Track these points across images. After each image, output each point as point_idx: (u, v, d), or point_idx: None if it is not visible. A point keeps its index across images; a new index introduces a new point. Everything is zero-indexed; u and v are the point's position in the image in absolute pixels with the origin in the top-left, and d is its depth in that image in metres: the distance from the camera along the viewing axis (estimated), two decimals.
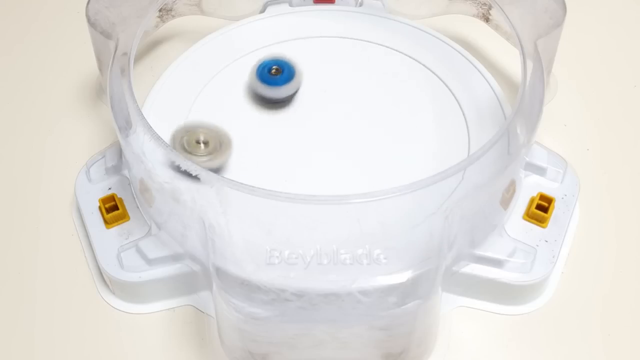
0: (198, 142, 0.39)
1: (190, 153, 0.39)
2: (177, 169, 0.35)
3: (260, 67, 0.43)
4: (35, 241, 0.42)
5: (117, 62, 0.40)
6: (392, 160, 0.41)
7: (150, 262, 0.38)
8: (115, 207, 0.40)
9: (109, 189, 0.41)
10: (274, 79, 0.42)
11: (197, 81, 0.44)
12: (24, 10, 0.53)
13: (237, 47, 0.46)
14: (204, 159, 0.39)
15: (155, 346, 0.38)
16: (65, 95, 0.48)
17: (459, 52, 0.46)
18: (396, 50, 0.46)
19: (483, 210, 0.37)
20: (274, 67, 0.43)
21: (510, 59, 0.48)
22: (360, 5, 0.49)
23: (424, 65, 0.45)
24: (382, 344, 0.35)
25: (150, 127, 0.37)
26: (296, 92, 0.43)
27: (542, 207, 0.40)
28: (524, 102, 0.38)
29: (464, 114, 0.43)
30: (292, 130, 0.42)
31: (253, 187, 0.34)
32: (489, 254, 0.38)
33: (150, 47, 0.50)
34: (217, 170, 0.39)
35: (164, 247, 0.38)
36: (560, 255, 0.39)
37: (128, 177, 0.41)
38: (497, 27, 0.47)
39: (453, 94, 0.44)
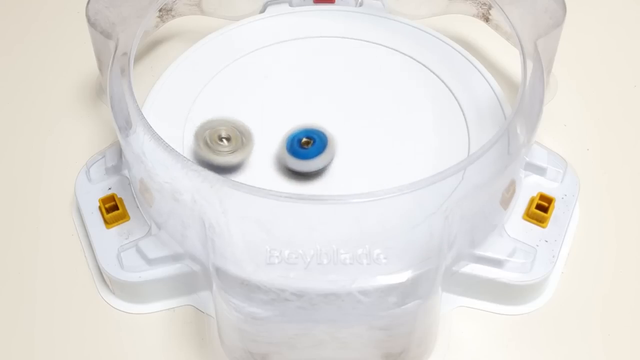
0: (220, 138, 0.39)
1: (212, 149, 0.39)
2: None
3: (290, 139, 0.40)
4: (35, 241, 0.42)
5: (117, 62, 0.40)
6: (392, 160, 0.41)
7: (150, 262, 0.38)
8: (115, 207, 0.40)
9: (109, 189, 0.41)
10: (305, 152, 0.39)
11: (197, 81, 0.44)
12: (24, 10, 0.53)
13: (237, 47, 0.46)
14: (227, 154, 0.39)
15: (155, 346, 0.38)
16: (65, 95, 0.48)
17: (459, 52, 0.46)
18: (396, 50, 0.46)
19: (483, 210, 0.37)
20: (304, 138, 0.40)
21: (510, 59, 0.48)
22: (360, 5, 0.49)
23: (424, 65, 0.45)
24: (382, 344, 0.35)
25: (150, 127, 0.37)
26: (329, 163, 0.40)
27: (542, 207, 0.40)
28: (524, 102, 0.38)
29: (464, 114, 0.43)
30: (292, 130, 0.42)
31: (253, 187, 0.34)
32: (489, 254, 0.38)
33: (150, 47, 0.50)
34: (238, 166, 0.39)
35: (164, 247, 0.38)
36: (560, 255, 0.39)
37: (128, 177, 0.41)
38: (497, 27, 0.47)
39: (453, 94, 0.44)
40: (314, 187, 0.40)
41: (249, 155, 0.40)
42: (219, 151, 0.39)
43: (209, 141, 0.39)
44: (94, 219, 0.40)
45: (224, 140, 0.39)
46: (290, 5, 0.49)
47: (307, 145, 0.40)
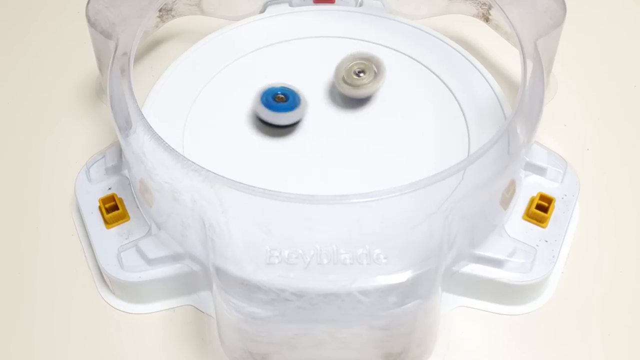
0: (356, 73, 0.42)
1: (349, 84, 0.42)
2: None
3: (265, 93, 0.42)
4: (35, 241, 0.42)
5: (117, 62, 0.40)
6: (392, 160, 0.41)
7: (150, 262, 0.38)
8: (115, 207, 0.40)
9: (109, 189, 0.41)
10: (278, 106, 0.42)
11: (197, 81, 0.44)
12: (24, 10, 0.53)
13: (237, 47, 0.46)
14: (363, 86, 0.42)
15: (155, 346, 0.38)
16: (65, 95, 0.48)
17: (459, 52, 0.46)
18: (396, 50, 0.46)
19: (483, 210, 0.37)
20: (279, 93, 0.42)
21: (510, 59, 0.48)
22: (360, 5, 0.49)
23: (424, 65, 0.45)
24: (382, 344, 0.35)
25: (150, 127, 0.37)
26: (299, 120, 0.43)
27: (542, 207, 0.40)
28: (524, 102, 0.38)
29: (464, 114, 0.43)
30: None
31: (253, 187, 0.34)
32: (489, 254, 0.38)
33: (150, 47, 0.50)
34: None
35: (164, 247, 0.38)
36: (560, 255, 0.39)
37: (128, 177, 0.41)
38: (497, 27, 0.47)
39: (453, 94, 0.44)
40: (314, 184, 0.40)
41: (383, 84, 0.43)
42: (356, 84, 0.42)
43: (346, 77, 0.42)
44: (94, 219, 0.40)
45: (360, 74, 0.42)
46: (290, 5, 0.49)
47: (280, 101, 0.42)
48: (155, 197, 0.37)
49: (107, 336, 0.39)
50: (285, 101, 0.41)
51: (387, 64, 0.45)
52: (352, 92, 0.42)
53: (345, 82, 0.42)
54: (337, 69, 0.43)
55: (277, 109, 0.41)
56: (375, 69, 0.42)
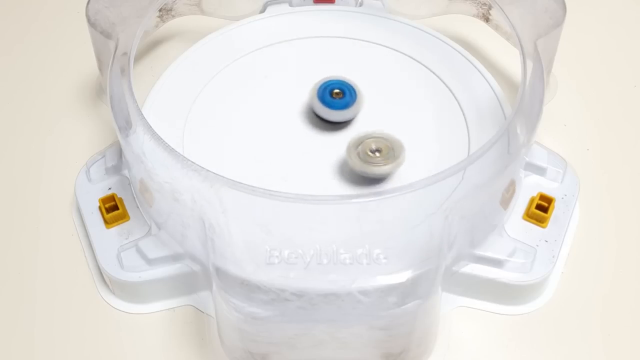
0: (372, 151, 0.39)
1: (366, 162, 0.39)
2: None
3: (322, 88, 0.42)
4: (35, 241, 0.42)
5: (117, 62, 0.40)
6: None
7: (150, 262, 0.38)
8: (115, 207, 0.40)
9: (109, 189, 0.41)
10: (335, 102, 0.41)
11: (197, 81, 0.44)
12: (24, 10, 0.53)
13: (237, 47, 0.46)
14: (380, 165, 0.39)
15: (155, 346, 0.38)
16: (65, 95, 0.48)
17: (459, 52, 0.46)
18: (396, 50, 0.46)
19: (483, 210, 0.37)
20: (336, 89, 0.42)
21: (510, 59, 0.48)
22: (360, 5, 0.49)
23: (424, 65, 0.45)
24: (382, 344, 0.35)
25: (150, 127, 0.37)
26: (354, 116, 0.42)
27: (542, 207, 0.40)
28: (524, 102, 0.38)
29: (464, 114, 0.43)
30: (292, 129, 0.42)
31: (253, 187, 0.34)
32: (489, 254, 0.38)
33: (150, 47, 0.50)
34: (389, 175, 0.40)
35: (164, 247, 0.38)
36: (560, 255, 0.39)
37: (128, 177, 0.41)
38: (497, 27, 0.47)
39: (453, 94, 0.44)
40: (314, 184, 0.40)
41: (400, 166, 0.40)
42: (373, 163, 0.39)
43: (361, 156, 0.39)
44: (94, 219, 0.40)
45: (376, 152, 0.39)
46: (290, 5, 0.49)
47: (337, 97, 0.41)
48: (155, 197, 0.37)
49: (107, 336, 0.39)
50: (342, 97, 0.41)
51: (387, 64, 0.45)
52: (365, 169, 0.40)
53: (360, 159, 0.40)
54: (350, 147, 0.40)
55: (333, 105, 0.41)
56: (392, 149, 0.40)
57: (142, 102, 0.42)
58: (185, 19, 0.49)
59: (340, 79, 0.42)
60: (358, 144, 0.40)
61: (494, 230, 0.39)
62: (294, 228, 0.35)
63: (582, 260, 0.41)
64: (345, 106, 0.41)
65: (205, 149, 0.41)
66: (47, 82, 0.49)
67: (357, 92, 0.42)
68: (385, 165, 0.39)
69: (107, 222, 0.40)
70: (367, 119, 0.43)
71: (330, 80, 0.42)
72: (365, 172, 0.39)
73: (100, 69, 0.44)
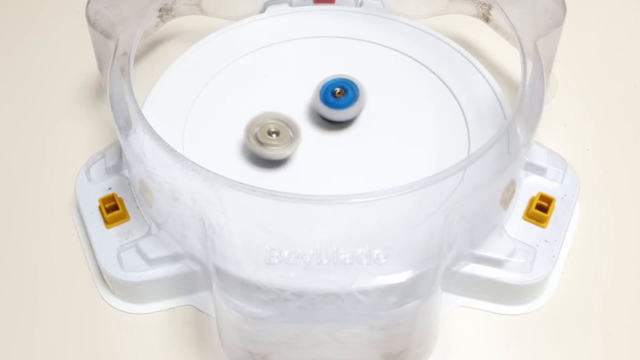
0: (270, 133, 0.40)
1: (263, 144, 0.40)
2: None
3: (324, 88, 0.42)
4: (36, 241, 0.42)
5: (117, 62, 0.40)
6: (392, 160, 0.41)
7: (150, 262, 0.38)
8: (115, 207, 0.40)
9: (109, 189, 0.41)
10: (337, 101, 0.41)
11: (197, 81, 0.44)
12: (24, 10, 0.53)
13: (237, 47, 0.46)
14: (277, 148, 0.40)
15: (155, 346, 0.38)
16: (65, 95, 0.48)
17: (459, 52, 0.46)
18: (396, 50, 0.46)
19: (483, 210, 0.37)
20: (337, 88, 0.42)
21: (510, 59, 0.48)
22: (360, 5, 0.49)
23: (424, 65, 0.45)
24: (382, 344, 0.35)
25: (150, 127, 0.37)
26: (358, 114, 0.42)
27: (542, 207, 0.40)
28: (524, 102, 0.38)
29: (464, 114, 0.43)
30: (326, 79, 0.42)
31: (253, 187, 0.34)
32: (489, 254, 0.38)
33: (150, 47, 0.50)
34: (286, 159, 0.40)
35: (164, 247, 0.38)
36: (560, 255, 0.39)
37: (128, 177, 0.41)
38: (497, 27, 0.47)
39: (453, 94, 0.44)
40: (314, 184, 0.40)
41: (297, 149, 0.41)
42: (268, 145, 0.40)
43: (259, 138, 0.40)
44: (94, 219, 0.40)
45: (274, 134, 0.40)
46: (290, 5, 0.49)
47: (339, 95, 0.41)
48: (155, 197, 0.37)
49: (107, 336, 0.39)
50: (344, 95, 0.41)
51: (387, 64, 0.45)
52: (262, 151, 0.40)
53: (258, 141, 0.40)
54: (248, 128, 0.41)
55: (336, 105, 0.41)
56: (291, 133, 0.41)
57: (142, 102, 0.42)
58: (185, 19, 0.49)
59: (341, 77, 0.42)
60: (255, 126, 0.40)
61: (494, 230, 0.39)
62: (294, 228, 0.35)
63: (582, 260, 0.41)
64: (348, 104, 0.41)
65: (205, 149, 0.41)
66: (47, 82, 0.49)
67: (359, 88, 0.42)
68: (280, 148, 0.40)
69: (107, 222, 0.40)
70: (367, 119, 0.43)
71: (330, 80, 0.42)
72: (263, 155, 0.40)
73: (100, 69, 0.44)
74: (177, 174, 0.35)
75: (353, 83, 0.42)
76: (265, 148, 0.40)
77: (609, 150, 0.46)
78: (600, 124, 0.47)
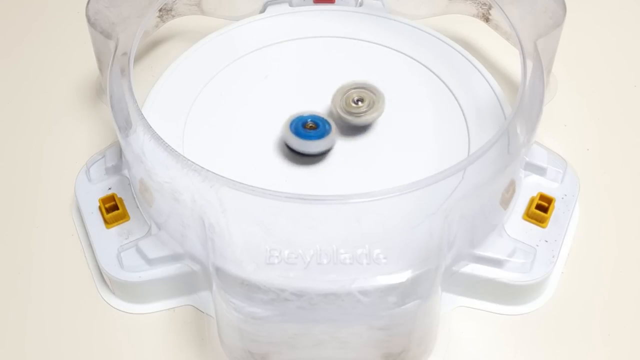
0: (354, 101, 0.41)
1: (350, 112, 0.41)
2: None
3: (294, 121, 0.41)
4: (36, 241, 0.42)
5: (117, 62, 0.40)
6: (392, 160, 0.41)
7: (150, 262, 0.38)
8: (115, 207, 0.40)
9: (109, 189, 0.41)
10: (308, 134, 0.41)
11: (197, 81, 0.44)
12: (24, 11, 0.53)
13: (237, 47, 0.46)
14: (363, 114, 0.41)
15: (155, 346, 0.38)
16: (65, 95, 0.48)
17: (459, 52, 0.46)
18: (396, 50, 0.46)
19: (483, 210, 0.37)
20: (309, 121, 0.41)
21: (510, 59, 0.48)
22: (360, 5, 0.49)
23: (424, 65, 0.45)
24: (382, 343, 0.35)
25: (150, 127, 0.37)
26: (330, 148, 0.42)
27: (542, 207, 0.40)
28: (524, 102, 0.38)
29: (464, 114, 0.43)
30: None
31: (253, 186, 0.34)
32: (488, 254, 0.38)
33: (150, 47, 0.50)
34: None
35: (164, 247, 0.38)
36: (560, 255, 0.39)
37: (128, 177, 0.41)
38: (497, 27, 0.47)
39: (453, 94, 0.44)
40: (314, 184, 0.40)
41: (382, 113, 0.42)
42: (357, 112, 0.41)
43: (345, 106, 0.41)
44: (94, 219, 0.40)
45: (359, 102, 0.41)
46: (290, 5, 0.49)
47: (310, 129, 0.41)
48: (155, 197, 0.37)
49: (107, 336, 0.39)
50: (316, 129, 0.41)
51: (387, 64, 0.45)
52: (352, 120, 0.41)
53: (344, 110, 0.41)
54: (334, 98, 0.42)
55: (308, 137, 0.40)
56: (375, 97, 0.42)
57: (142, 102, 0.42)
58: (185, 19, 0.49)
59: (311, 114, 0.41)
60: (342, 94, 0.41)
61: (494, 230, 0.39)
62: (294, 228, 0.35)
63: (582, 260, 0.41)
64: (320, 136, 0.41)
65: (205, 149, 0.41)
66: (47, 82, 0.49)
67: (330, 125, 0.41)
68: (368, 114, 0.41)
69: (107, 222, 0.40)
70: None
71: (300, 116, 0.41)
72: (351, 122, 0.41)
73: (100, 69, 0.44)
74: (177, 174, 0.35)
75: (323, 118, 0.41)
76: (353, 116, 0.41)
77: (609, 150, 0.46)
78: (600, 124, 0.47)
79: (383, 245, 0.34)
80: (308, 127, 0.41)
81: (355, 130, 0.42)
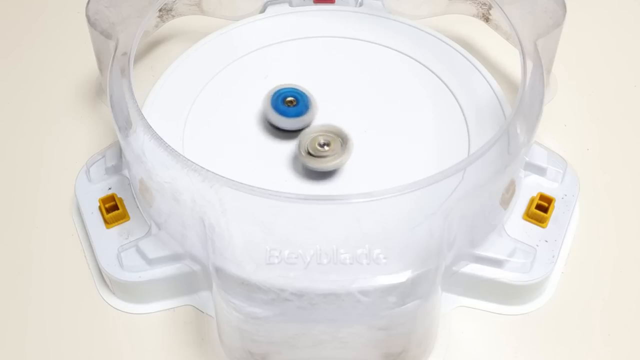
0: (320, 145, 0.39)
1: (315, 157, 0.39)
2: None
3: (275, 96, 0.41)
4: (36, 241, 0.42)
5: (117, 62, 0.40)
6: (392, 160, 0.41)
7: (150, 262, 0.38)
8: (115, 207, 0.40)
9: (109, 189, 0.41)
10: (288, 110, 0.41)
11: (197, 81, 0.44)
12: (24, 11, 0.53)
13: (237, 47, 0.46)
14: (329, 159, 0.39)
15: (155, 346, 0.38)
16: (65, 95, 0.48)
17: (459, 52, 0.46)
18: (396, 50, 0.46)
19: (483, 210, 0.37)
20: (289, 97, 0.41)
21: (510, 59, 0.48)
22: (360, 5, 0.49)
23: (424, 65, 0.45)
24: (382, 343, 0.35)
25: (150, 127, 0.37)
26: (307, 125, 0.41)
27: (542, 207, 0.40)
28: (524, 102, 0.38)
29: (464, 114, 0.43)
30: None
31: (253, 187, 0.34)
32: (489, 254, 0.38)
33: (150, 47, 0.50)
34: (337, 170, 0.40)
35: (164, 247, 0.38)
36: (560, 255, 0.39)
37: (128, 177, 0.41)
38: (497, 27, 0.47)
39: (453, 94, 0.44)
40: (314, 185, 0.40)
41: (349, 157, 0.40)
42: (322, 157, 0.39)
43: (311, 151, 0.39)
44: (94, 219, 0.40)
45: (325, 146, 0.40)
46: (290, 5, 0.49)
47: (291, 104, 0.41)
48: (155, 197, 0.37)
49: (107, 336, 0.39)
50: (296, 105, 0.41)
51: (387, 64, 0.45)
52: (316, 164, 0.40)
53: (309, 154, 0.40)
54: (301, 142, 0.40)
55: (287, 113, 0.41)
56: (340, 143, 0.40)
57: (142, 102, 0.42)
58: (185, 19, 0.49)
59: (292, 86, 0.42)
60: (306, 140, 0.40)
61: (494, 230, 0.39)
62: (294, 228, 0.35)
63: (582, 260, 0.41)
64: (298, 114, 0.41)
65: (205, 149, 0.41)
66: (47, 82, 0.49)
67: (310, 99, 0.41)
68: (335, 158, 0.39)
69: (107, 222, 0.40)
70: (367, 119, 0.43)
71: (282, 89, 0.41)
72: (317, 168, 0.40)
73: (100, 69, 0.44)
74: (177, 174, 0.35)
75: (304, 93, 0.41)
76: (317, 161, 0.39)
77: (609, 150, 0.46)
78: (600, 124, 0.47)
79: (383, 245, 0.34)
80: (287, 102, 0.41)
81: (354, 128, 0.42)
